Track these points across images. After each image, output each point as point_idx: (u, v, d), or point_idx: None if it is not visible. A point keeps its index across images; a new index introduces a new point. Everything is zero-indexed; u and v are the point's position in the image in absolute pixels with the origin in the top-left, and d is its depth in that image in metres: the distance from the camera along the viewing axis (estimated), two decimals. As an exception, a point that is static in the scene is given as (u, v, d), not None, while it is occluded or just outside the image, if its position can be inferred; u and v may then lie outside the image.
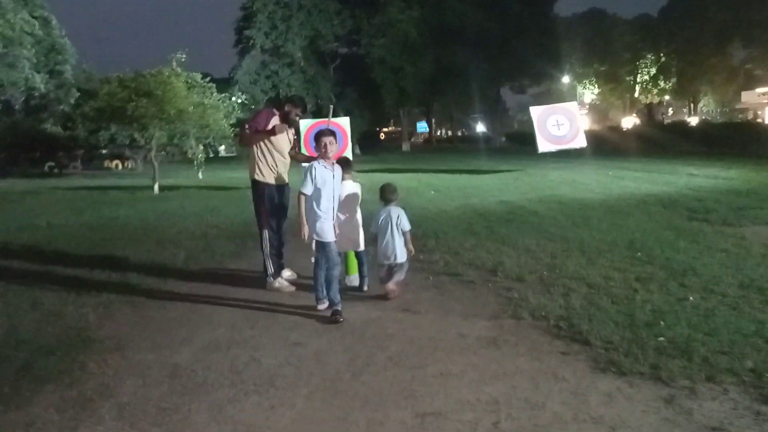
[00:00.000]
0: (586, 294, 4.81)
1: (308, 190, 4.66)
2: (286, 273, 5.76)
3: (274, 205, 5.57)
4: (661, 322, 4.02)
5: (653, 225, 7.88)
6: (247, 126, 5.60)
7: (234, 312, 4.81)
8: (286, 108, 5.64)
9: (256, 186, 5.58)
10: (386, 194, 5.20)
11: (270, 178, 5.53)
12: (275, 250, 5.59)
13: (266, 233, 5.55)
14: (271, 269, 5.56)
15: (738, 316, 4.14)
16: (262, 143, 5.50)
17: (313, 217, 4.67)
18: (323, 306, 4.73)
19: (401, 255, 5.06)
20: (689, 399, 3.00)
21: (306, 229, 4.66)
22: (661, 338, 3.74)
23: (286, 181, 5.64)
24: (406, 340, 4.04)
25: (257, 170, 5.54)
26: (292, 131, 5.71)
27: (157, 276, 6.05)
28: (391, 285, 5.04)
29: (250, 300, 5.13)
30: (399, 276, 5.09)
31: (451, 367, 3.54)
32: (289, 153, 5.67)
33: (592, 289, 4.93)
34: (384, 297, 5.03)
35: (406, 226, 5.14)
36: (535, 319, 4.31)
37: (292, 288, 5.46)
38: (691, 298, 4.55)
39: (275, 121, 5.52)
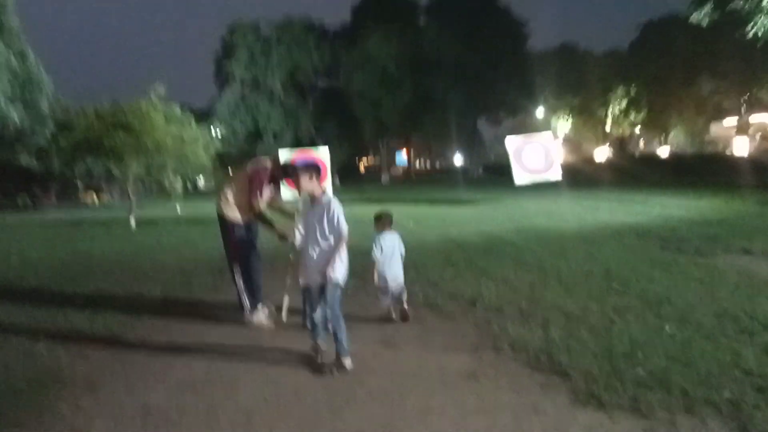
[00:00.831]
0: (564, 325, 4.82)
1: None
2: (266, 308, 5.69)
3: (244, 241, 5.52)
4: (639, 354, 4.05)
5: (628, 255, 7.98)
6: (258, 196, 5.38)
7: (210, 348, 4.72)
8: (276, 172, 5.54)
9: (224, 222, 5.52)
10: (388, 222, 5.56)
11: (237, 215, 5.47)
12: (249, 285, 5.53)
13: (237, 268, 5.49)
14: (246, 304, 5.50)
15: (714, 346, 4.18)
16: (237, 186, 5.47)
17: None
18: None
19: (402, 277, 5.37)
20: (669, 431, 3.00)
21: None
22: (640, 370, 3.76)
23: (252, 217, 5.56)
24: (386, 374, 4.00)
25: (225, 207, 5.48)
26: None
27: (132, 312, 5.93)
28: (406, 306, 5.33)
29: (227, 335, 5.04)
30: (404, 296, 5.38)
31: (431, 402, 3.50)
32: (267, 202, 5.58)
33: (570, 320, 4.95)
34: (390, 319, 5.31)
35: (403, 250, 5.53)
36: (514, 351, 4.30)
37: (269, 322, 5.38)
38: (667, 329, 4.60)
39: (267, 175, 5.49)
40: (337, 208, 4.19)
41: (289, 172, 5.54)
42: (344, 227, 4.15)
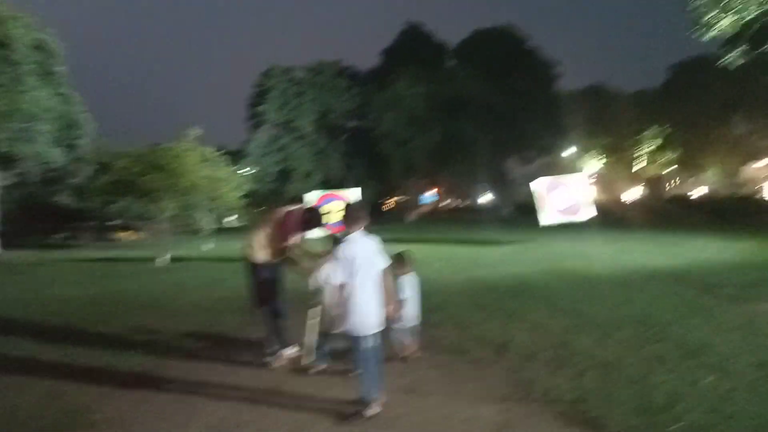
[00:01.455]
0: (599, 374, 4.66)
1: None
2: (292, 350, 5.65)
3: (270, 283, 5.53)
4: (678, 406, 3.87)
5: (665, 300, 7.73)
6: (288, 238, 5.44)
7: (236, 392, 4.68)
8: (307, 218, 5.57)
9: (251, 265, 5.56)
10: (410, 262, 5.58)
11: (265, 259, 5.51)
12: (277, 327, 5.52)
13: (264, 311, 5.50)
14: (273, 347, 5.48)
15: (757, 399, 3.98)
16: (266, 230, 5.53)
17: None
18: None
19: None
20: (712, 493, 2.84)
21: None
22: (680, 423, 3.59)
23: (280, 260, 5.59)
24: (412, 424, 3.89)
25: (254, 250, 5.53)
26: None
27: (159, 352, 5.95)
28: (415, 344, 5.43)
29: (253, 378, 5.00)
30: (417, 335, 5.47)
31: (459, 454, 3.39)
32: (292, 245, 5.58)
33: (605, 369, 4.78)
34: (405, 359, 5.31)
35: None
36: (547, 402, 4.15)
37: (295, 365, 5.32)
38: (707, 380, 4.39)
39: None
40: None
41: (319, 221, 5.61)
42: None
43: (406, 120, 44.30)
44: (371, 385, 4.13)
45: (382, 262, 4.27)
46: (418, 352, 5.43)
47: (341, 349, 4.97)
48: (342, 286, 4.19)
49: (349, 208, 4.49)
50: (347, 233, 4.32)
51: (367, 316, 4.14)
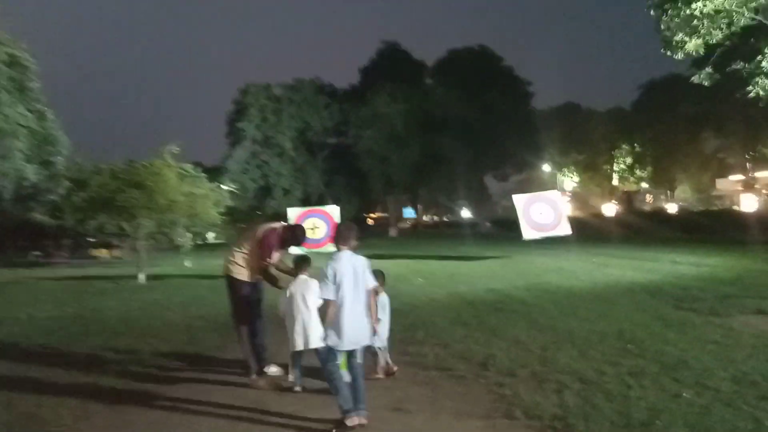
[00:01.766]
0: (579, 390, 4.68)
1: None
2: (272, 369, 5.59)
3: (250, 301, 5.50)
4: (658, 421, 3.90)
5: (641, 315, 7.84)
6: (267, 257, 5.44)
7: (216, 413, 4.60)
8: (288, 236, 5.59)
9: (232, 283, 5.52)
10: (382, 281, 5.26)
11: (245, 276, 5.48)
12: (256, 346, 5.47)
13: (244, 329, 5.45)
14: (253, 366, 5.41)
15: (734, 413, 4.03)
16: (246, 247, 5.49)
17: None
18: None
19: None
20: (694, 508, 2.86)
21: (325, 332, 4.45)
22: (660, 439, 3.62)
23: (260, 277, 5.57)
24: (396, 443, 3.86)
25: (234, 267, 5.49)
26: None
27: (138, 372, 5.84)
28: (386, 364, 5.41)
29: (233, 397, 4.93)
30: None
31: (444, 473, 3.37)
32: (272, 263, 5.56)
33: (585, 385, 4.81)
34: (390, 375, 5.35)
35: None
36: (528, 418, 4.16)
37: (275, 385, 5.27)
38: (685, 395, 4.45)
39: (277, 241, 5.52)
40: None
41: (299, 238, 5.59)
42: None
43: (385, 137, 44.59)
44: (354, 397, 4.16)
45: (371, 280, 4.39)
46: (392, 371, 5.39)
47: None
48: (329, 303, 4.25)
49: (340, 227, 4.69)
50: (337, 251, 4.40)
51: (354, 331, 4.24)
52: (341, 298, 4.22)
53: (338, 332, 4.22)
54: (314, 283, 4.89)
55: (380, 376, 5.32)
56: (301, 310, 4.93)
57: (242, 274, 5.48)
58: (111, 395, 5.08)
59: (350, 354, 4.35)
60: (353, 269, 4.29)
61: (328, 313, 4.26)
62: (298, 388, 5.05)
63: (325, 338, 4.39)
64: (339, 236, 4.48)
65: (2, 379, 5.68)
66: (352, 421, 4.05)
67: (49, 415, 4.60)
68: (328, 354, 4.32)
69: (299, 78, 49.66)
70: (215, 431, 4.20)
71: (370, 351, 5.08)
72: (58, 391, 5.20)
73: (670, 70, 44.10)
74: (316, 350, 4.86)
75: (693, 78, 18.69)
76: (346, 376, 4.40)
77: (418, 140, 44.60)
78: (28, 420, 4.51)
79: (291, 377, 5.19)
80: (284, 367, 5.45)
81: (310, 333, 4.88)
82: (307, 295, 4.95)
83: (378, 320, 4.81)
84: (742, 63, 17.47)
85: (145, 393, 5.16)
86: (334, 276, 4.23)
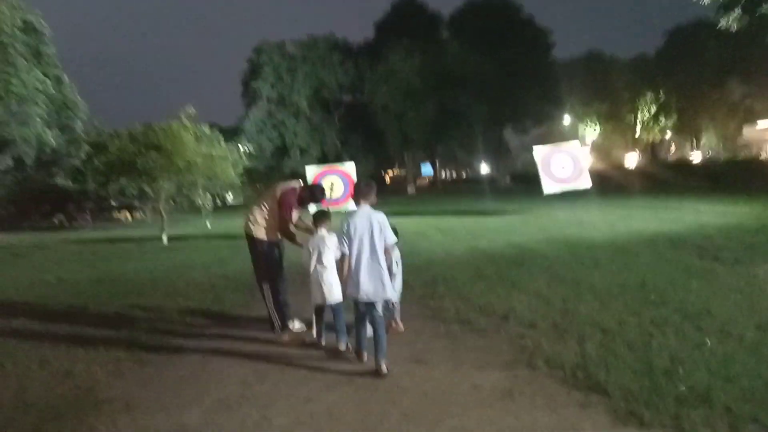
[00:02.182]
0: (601, 340, 4.71)
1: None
2: (296, 325, 5.71)
3: (272, 260, 5.57)
4: (680, 369, 3.93)
5: (664, 265, 7.79)
6: (287, 215, 5.49)
7: (244, 367, 4.74)
8: (306, 195, 5.63)
9: (253, 242, 5.60)
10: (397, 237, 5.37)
11: (266, 234, 5.54)
12: (279, 303, 5.57)
13: (267, 286, 5.54)
14: (277, 322, 5.53)
15: (758, 360, 4.04)
16: (266, 206, 5.53)
17: None
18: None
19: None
20: (715, 452, 2.90)
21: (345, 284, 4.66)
22: (681, 386, 3.65)
23: (279, 235, 5.64)
24: (419, 393, 3.95)
25: (254, 227, 5.56)
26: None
27: (165, 331, 6.01)
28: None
29: (259, 354, 5.06)
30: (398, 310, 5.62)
31: (466, 421, 3.45)
32: (292, 222, 5.63)
33: (606, 335, 4.83)
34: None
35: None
36: (550, 368, 4.21)
37: (300, 340, 5.39)
38: (708, 343, 4.46)
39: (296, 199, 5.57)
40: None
41: (317, 197, 5.62)
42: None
43: (401, 93, 43.94)
44: (376, 349, 4.42)
45: (390, 235, 4.52)
46: (400, 327, 5.47)
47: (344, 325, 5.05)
48: (346, 257, 4.48)
49: (360, 183, 4.78)
50: (354, 206, 4.58)
51: (370, 284, 4.41)
52: (358, 252, 4.40)
53: (355, 284, 4.44)
54: (332, 239, 4.99)
55: (401, 329, 5.41)
56: (317, 265, 5.02)
57: (262, 233, 5.55)
58: (141, 352, 5.25)
59: (371, 307, 4.48)
60: (371, 224, 4.43)
61: (343, 266, 4.51)
62: (322, 342, 5.16)
63: (344, 290, 4.61)
64: (359, 192, 4.64)
65: (36, 338, 5.89)
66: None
67: (83, 372, 4.77)
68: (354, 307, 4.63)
69: (313, 35, 48.93)
70: (243, 385, 4.32)
71: (387, 306, 5.16)
72: (90, 349, 5.38)
73: (697, 15, 42.55)
74: (331, 306, 5.04)
75: (721, 22, 17.99)
76: (369, 330, 4.64)
77: (434, 96, 43.92)
78: (63, 377, 4.69)
79: (315, 332, 5.30)
80: (308, 322, 5.57)
81: (326, 287, 4.99)
82: (324, 250, 5.02)
83: (393, 275, 4.87)
84: (771, 5, 16.74)
85: (174, 349, 5.32)
86: (351, 230, 4.43)
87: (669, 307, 5.57)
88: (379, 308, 4.51)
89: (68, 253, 14.55)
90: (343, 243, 4.48)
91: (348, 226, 4.45)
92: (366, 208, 4.53)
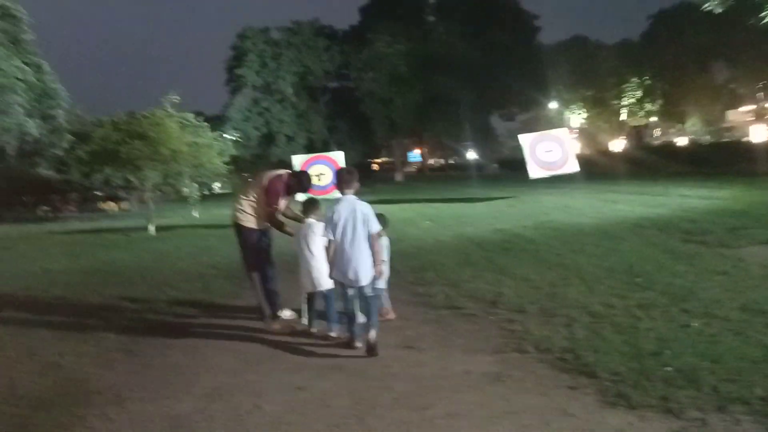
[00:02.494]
0: (588, 324, 4.77)
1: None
2: (286, 313, 5.71)
3: (260, 248, 5.56)
4: (667, 351, 3.99)
5: (650, 249, 7.88)
6: (274, 204, 5.44)
7: (235, 356, 4.74)
8: (293, 183, 5.58)
9: (240, 231, 5.58)
10: (386, 225, 5.40)
11: (253, 223, 5.52)
12: (268, 291, 5.56)
13: (255, 275, 5.53)
14: (267, 311, 5.52)
15: (743, 341, 4.11)
16: (253, 195, 5.50)
17: None
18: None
19: None
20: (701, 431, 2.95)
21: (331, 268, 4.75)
22: (668, 368, 3.70)
23: (267, 224, 5.61)
24: (410, 378, 3.98)
25: (242, 216, 5.53)
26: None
27: (154, 320, 5.98)
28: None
29: (250, 343, 5.06)
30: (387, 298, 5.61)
31: (457, 406, 3.48)
32: (280, 210, 5.59)
33: (594, 319, 4.89)
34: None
35: None
36: (539, 351, 4.26)
37: (289, 327, 5.40)
38: (694, 324, 4.52)
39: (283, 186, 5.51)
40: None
41: (305, 185, 5.59)
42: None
43: (387, 79, 43.81)
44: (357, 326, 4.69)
45: (374, 225, 4.60)
46: (391, 314, 5.45)
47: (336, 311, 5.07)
48: (331, 243, 4.61)
49: (342, 171, 4.97)
50: (340, 195, 4.67)
51: (354, 268, 4.54)
52: (341, 237, 4.55)
53: (339, 270, 4.61)
54: (319, 226, 5.01)
55: (392, 316, 5.43)
56: (305, 253, 5.02)
57: (250, 221, 5.53)
58: (130, 342, 5.22)
59: (360, 290, 4.62)
60: (354, 213, 4.57)
61: (328, 251, 4.66)
62: (313, 330, 5.17)
63: (330, 274, 4.73)
64: (341, 181, 4.79)
65: (23, 330, 5.84)
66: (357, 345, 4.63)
67: (71, 364, 4.74)
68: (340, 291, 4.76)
69: (298, 20, 48.45)
70: (234, 374, 4.33)
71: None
72: (78, 340, 5.35)
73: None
74: (322, 293, 5.07)
75: (704, 5, 18.03)
76: (360, 317, 4.74)
77: (420, 81, 43.83)
78: (51, 368, 4.65)
79: (304, 320, 5.31)
80: (298, 311, 5.57)
81: (315, 275, 5.02)
82: (312, 238, 5.03)
83: (382, 261, 4.90)
84: (755, -12, 16.81)
85: (163, 339, 5.30)
86: (335, 218, 4.58)
87: (655, 290, 5.64)
88: (368, 290, 4.62)
89: (53, 244, 14.39)
90: (328, 230, 4.61)
91: (333, 213, 4.61)
92: (350, 198, 4.66)
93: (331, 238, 4.60)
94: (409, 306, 5.80)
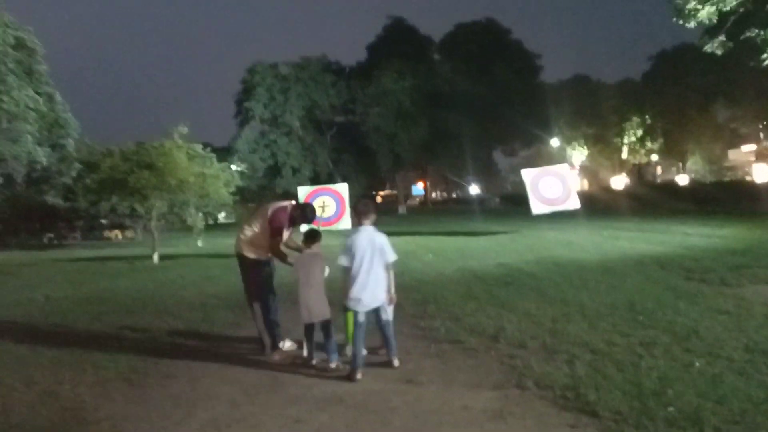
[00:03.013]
0: (590, 361, 4.71)
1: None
2: (287, 344, 5.66)
3: (262, 279, 5.55)
4: (669, 391, 3.92)
5: (652, 286, 7.82)
6: (277, 235, 5.45)
7: (233, 387, 4.68)
8: (297, 215, 5.59)
9: (243, 261, 5.58)
10: None
11: (256, 254, 5.52)
12: (269, 322, 5.52)
13: (257, 306, 5.50)
14: (268, 342, 5.47)
15: (746, 382, 4.04)
16: (257, 226, 5.51)
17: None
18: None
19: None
20: (705, 474, 2.88)
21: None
22: (671, 408, 3.64)
23: (270, 255, 5.60)
24: (410, 413, 3.92)
25: (245, 246, 5.54)
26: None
27: (154, 350, 5.92)
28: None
29: (249, 374, 5.00)
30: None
31: (457, 443, 3.41)
32: (283, 241, 5.60)
33: (596, 356, 4.83)
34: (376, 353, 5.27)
35: None
36: (540, 388, 4.19)
37: (290, 359, 5.34)
38: (697, 364, 4.46)
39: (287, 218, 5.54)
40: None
41: (309, 216, 5.59)
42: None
43: (393, 114, 44.35)
44: (387, 347, 4.96)
45: (390, 255, 4.87)
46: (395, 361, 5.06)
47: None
48: (349, 270, 4.78)
49: (359, 204, 5.29)
50: (359, 226, 4.95)
51: (368, 295, 4.75)
52: (357, 266, 4.74)
53: (355, 298, 4.76)
54: (320, 258, 5.09)
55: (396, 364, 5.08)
56: (305, 284, 5.00)
57: (253, 252, 5.53)
58: (129, 372, 5.17)
59: (376, 312, 4.84)
60: (371, 243, 4.80)
61: (344, 279, 4.81)
62: (313, 362, 5.11)
63: (347, 303, 4.84)
64: (358, 212, 5.06)
65: (22, 358, 5.79)
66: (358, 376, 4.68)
67: (69, 393, 4.69)
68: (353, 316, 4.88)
69: (306, 56, 49.32)
70: (233, 405, 4.27)
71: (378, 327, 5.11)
72: (77, 369, 5.29)
73: (682, 39, 43.37)
74: (320, 323, 5.04)
75: (705, 47, 18.31)
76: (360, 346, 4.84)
77: (425, 117, 44.35)
78: (48, 397, 4.60)
79: (305, 351, 5.25)
80: (299, 342, 5.52)
81: (314, 306, 4.98)
82: (312, 269, 5.01)
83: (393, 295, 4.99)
84: (756, 30, 17.07)
85: (162, 371, 5.25)
86: (351, 247, 4.78)
87: (657, 328, 5.57)
88: (383, 313, 4.86)
89: (57, 272, 14.39)
90: (345, 258, 4.80)
91: (350, 242, 4.82)
92: (368, 229, 4.89)
93: (348, 265, 4.77)
94: (410, 339, 5.74)
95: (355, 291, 4.74)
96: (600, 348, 5.02)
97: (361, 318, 4.80)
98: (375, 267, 4.76)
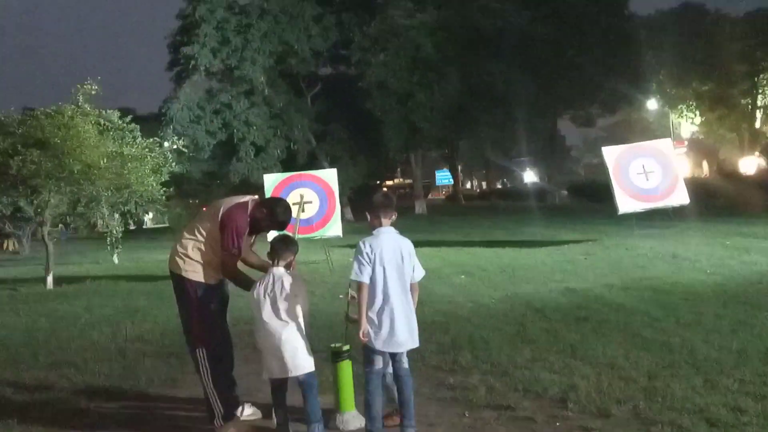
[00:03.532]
0: (706, 437, 4.71)
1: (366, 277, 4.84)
2: (247, 410, 5.67)
3: (211, 312, 5.51)
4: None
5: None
6: (232, 246, 5.41)
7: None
8: (263, 216, 5.57)
9: (183, 286, 5.51)
10: None
11: (202, 275, 5.47)
12: (220, 378, 5.50)
13: (202, 353, 5.44)
14: (218, 408, 5.45)
15: None
16: (203, 232, 5.50)
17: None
18: None
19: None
20: None
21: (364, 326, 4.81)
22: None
23: (223, 276, 5.61)
24: None
25: (184, 262, 5.50)
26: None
27: (50, 420, 5.96)
28: None
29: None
30: None
31: None
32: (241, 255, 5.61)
33: (716, 429, 4.83)
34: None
35: None
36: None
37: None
38: None
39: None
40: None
41: (280, 218, 5.54)
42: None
43: (407, 64, 44.12)
44: (403, 414, 4.86)
45: (419, 270, 5.05)
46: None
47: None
48: (362, 287, 4.79)
49: (375, 197, 5.27)
50: (372, 228, 5.00)
51: (399, 328, 4.80)
52: (383, 284, 4.80)
53: (386, 332, 4.78)
54: (296, 280, 5.03)
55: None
56: (271, 320, 4.95)
57: (197, 272, 5.51)
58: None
59: (393, 358, 4.87)
60: (400, 251, 4.90)
61: (360, 298, 4.80)
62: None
63: (360, 333, 4.78)
64: (377, 207, 5.05)
65: None
66: None
67: None
68: (365, 355, 4.90)
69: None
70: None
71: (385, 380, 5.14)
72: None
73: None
74: (298, 379, 4.98)
75: None
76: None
77: (455, 68, 44.20)
78: None
79: (275, 419, 5.25)
80: (264, 406, 5.53)
81: (289, 354, 4.90)
82: (283, 296, 4.95)
83: None
84: None
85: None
86: (376, 256, 4.81)
87: (809, 387, 5.57)
88: (405, 361, 4.90)
89: None
90: (362, 269, 4.78)
91: (371, 249, 4.83)
92: (391, 230, 4.99)
93: (365, 281, 4.77)
94: (433, 404, 5.75)
95: (385, 323, 4.76)
96: (722, 418, 5.02)
97: (379, 364, 4.81)
98: (405, 287, 4.85)
